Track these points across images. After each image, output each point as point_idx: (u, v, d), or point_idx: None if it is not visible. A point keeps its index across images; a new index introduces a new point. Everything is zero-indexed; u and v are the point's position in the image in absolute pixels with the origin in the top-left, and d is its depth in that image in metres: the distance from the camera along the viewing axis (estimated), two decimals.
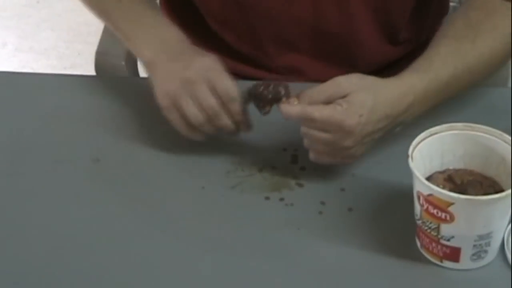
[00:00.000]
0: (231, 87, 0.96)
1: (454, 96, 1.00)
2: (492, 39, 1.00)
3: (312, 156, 0.95)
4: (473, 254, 0.85)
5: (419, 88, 0.94)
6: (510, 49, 1.01)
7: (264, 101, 0.95)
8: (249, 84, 0.97)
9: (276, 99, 0.94)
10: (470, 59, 0.98)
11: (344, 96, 0.91)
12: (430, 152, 0.88)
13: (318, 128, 0.91)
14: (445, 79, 0.96)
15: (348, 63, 1.14)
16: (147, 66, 1.03)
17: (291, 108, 0.92)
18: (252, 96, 0.96)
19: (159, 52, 1.01)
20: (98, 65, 1.25)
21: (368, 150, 0.95)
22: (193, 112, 0.96)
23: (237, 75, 0.98)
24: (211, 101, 0.95)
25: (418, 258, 0.88)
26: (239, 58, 1.16)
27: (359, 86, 0.92)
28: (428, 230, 0.85)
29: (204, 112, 0.95)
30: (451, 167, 0.89)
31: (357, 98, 0.91)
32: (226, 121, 0.96)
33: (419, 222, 0.86)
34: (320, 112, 0.90)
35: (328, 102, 0.91)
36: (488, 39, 0.99)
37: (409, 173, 0.84)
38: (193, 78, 0.95)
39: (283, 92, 0.94)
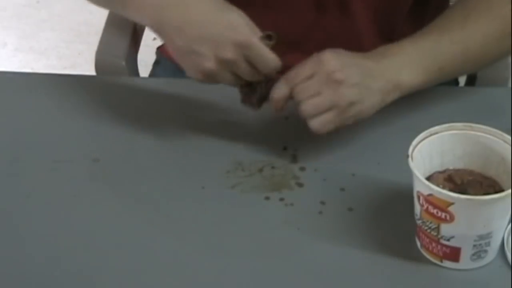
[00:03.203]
0: (270, 60, 0.95)
1: (455, 73, 1.04)
2: (485, 19, 1.01)
3: (314, 124, 0.94)
4: (473, 254, 0.85)
5: (398, 51, 0.98)
6: (508, 32, 1.01)
7: (259, 98, 0.96)
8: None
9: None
10: (460, 35, 1.00)
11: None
12: (430, 152, 0.88)
13: (304, 80, 0.94)
14: (428, 46, 0.98)
15: None
16: (154, 25, 0.98)
17: (277, 85, 0.95)
18: (245, 93, 0.97)
19: (167, 8, 0.97)
20: (98, 65, 1.25)
21: (366, 105, 0.95)
22: (232, 82, 0.96)
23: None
24: (252, 74, 0.95)
25: (418, 258, 0.88)
26: None
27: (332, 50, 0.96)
28: (428, 230, 0.85)
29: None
30: (451, 167, 0.89)
31: (328, 51, 0.96)
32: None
33: (419, 222, 0.86)
34: (299, 66, 0.95)
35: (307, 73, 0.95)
36: (481, 19, 1.00)
37: (409, 173, 0.84)
38: (230, 58, 0.93)
39: (270, 83, 0.96)
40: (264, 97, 0.97)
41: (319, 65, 0.94)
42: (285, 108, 0.97)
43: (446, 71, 1.00)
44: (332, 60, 0.94)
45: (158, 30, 0.98)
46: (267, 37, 0.95)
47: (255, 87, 0.97)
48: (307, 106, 0.94)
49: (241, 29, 0.94)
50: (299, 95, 0.94)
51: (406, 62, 0.98)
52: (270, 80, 0.97)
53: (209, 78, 0.96)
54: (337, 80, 0.93)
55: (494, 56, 1.05)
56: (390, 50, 0.99)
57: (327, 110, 0.93)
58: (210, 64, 0.94)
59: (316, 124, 0.94)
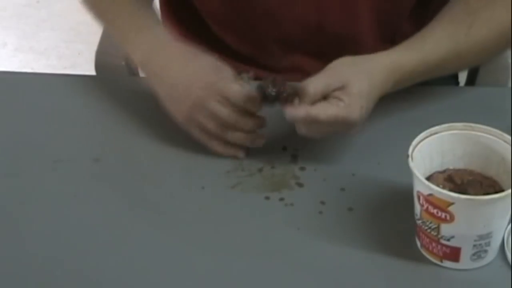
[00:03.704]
0: (237, 89, 0.96)
1: (438, 77, 1.03)
2: (487, 29, 1.01)
3: (302, 131, 0.96)
4: (473, 254, 0.85)
5: (407, 68, 0.97)
6: (505, 40, 1.01)
7: (269, 99, 0.96)
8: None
9: (279, 97, 0.95)
10: (463, 46, 1.00)
11: (341, 86, 0.93)
12: (430, 152, 0.88)
13: (322, 124, 0.94)
14: (435, 61, 0.99)
15: None
16: (141, 66, 1.05)
17: (296, 111, 0.94)
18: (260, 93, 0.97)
19: (151, 53, 1.03)
20: (98, 65, 1.25)
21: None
22: (211, 127, 0.98)
23: None
24: (224, 113, 0.97)
25: (418, 258, 0.88)
26: (240, 59, 1.16)
27: (354, 72, 0.95)
28: (428, 230, 0.85)
29: (224, 122, 0.97)
30: (451, 167, 0.89)
31: (355, 88, 0.93)
32: (248, 123, 0.98)
33: (419, 222, 0.86)
34: (325, 113, 0.92)
35: (326, 93, 0.93)
36: (483, 28, 1.00)
37: (409, 173, 0.84)
38: (198, 100, 0.97)
39: (283, 89, 0.95)
40: (275, 99, 0.96)
41: (343, 123, 0.93)
42: None
43: (440, 74, 1.01)
44: (357, 123, 0.94)
45: (147, 77, 1.05)
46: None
47: (264, 90, 0.97)
48: (314, 136, 0.97)
49: (210, 71, 0.99)
50: (312, 134, 0.96)
51: (401, 83, 0.99)
52: (276, 80, 0.96)
53: (190, 122, 0.99)
54: (352, 128, 0.95)
55: (484, 61, 1.06)
56: (397, 64, 0.99)
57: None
58: (183, 107, 0.98)
59: (304, 131, 0.96)
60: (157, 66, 1.02)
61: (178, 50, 1.03)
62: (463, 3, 1.02)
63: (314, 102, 0.93)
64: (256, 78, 1.00)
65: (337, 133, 0.97)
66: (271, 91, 0.95)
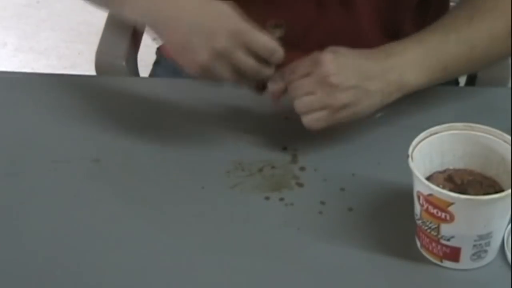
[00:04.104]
0: (267, 41, 0.94)
1: (459, 72, 1.03)
2: (491, 18, 1.00)
3: (306, 120, 0.95)
4: (473, 254, 0.85)
5: (403, 51, 0.97)
6: None
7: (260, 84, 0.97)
8: None
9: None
10: (466, 34, 0.99)
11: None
12: (430, 152, 0.88)
13: (300, 77, 0.94)
14: (434, 45, 0.98)
15: None
16: (146, 19, 0.99)
17: (275, 80, 0.95)
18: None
19: (157, 2, 0.97)
20: (98, 65, 1.25)
21: (362, 107, 0.95)
22: (229, 75, 0.94)
23: None
24: (250, 64, 0.94)
25: (418, 258, 0.88)
26: None
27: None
28: (428, 230, 0.85)
29: (245, 72, 0.95)
30: (451, 167, 0.89)
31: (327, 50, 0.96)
32: (270, 72, 0.96)
33: (419, 222, 0.86)
34: (296, 63, 0.95)
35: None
36: (487, 18, 1.00)
37: (409, 173, 0.84)
38: (224, 48, 0.92)
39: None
40: (264, 84, 0.97)
41: (316, 66, 0.94)
42: (282, 100, 0.97)
43: (451, 70, 1.00)
44: (330, 63, 0.94)
45: (153, 29, 0.98)
46: (276, 26, 0.95)
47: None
48: (300, 104, 0.95)
49: (232, 18, 0.94)
50: (293, 91, 0.95)
51: (411, 62, 0.97)
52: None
53: (206, 72, 0.94)
54: (331, 84, 0.93)
55: (499, 55, 1.04)
56: (394, 49, 0.98)
57: (320, 109, 0.94)
58: (204, 56, 0.92)
59: (308, 120, 0.95)
60: (166, 15, 0.96)
61: None
62: (465, 3, 1.03)
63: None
64: (276, 25, 0.98)
65: (318, 83, 0.94)
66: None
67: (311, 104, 0.94)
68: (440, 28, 1.00)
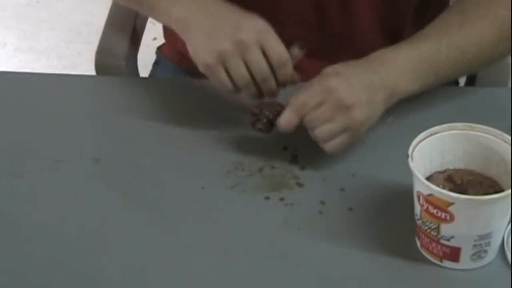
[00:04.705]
0: (283, 51, 0.96)
1: (450, 77, 1.03)
2: (482, 24, 1.01)
3: (329, 148, 0.95)
4: (473, 254, 0.85)
5: (397, 60, 0.97)
6: (507, 35, 1.01)
7: (267, 123, 0.98)
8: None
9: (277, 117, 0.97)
10: (458, 40, 1.00)
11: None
12: (430, 152, 0.88)
13: (313, 108, 0.94)
14: (426, 51, 0.98)
15: None
16: (180, 23, 1.01)
17: (287, 117, 0.95)
18: (256, 118, 0.99)
19: (193, 9, 1.00)
20: (98, 65, 1.25)
21: (373, 119, 0.96)
22: (241, 73, 0.96)
23: None
24: (263, 65, 0.96)
25: (418, 258, 0.88)
26: None
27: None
28: (428, 230, 0.85)
29: (252, 75, 0.96)
30: (451, 167, 0.89)
31: (332, 68, 0.97)
32: (272, 84, 0.97)
33: (419, 222, 0.86)
34: (303, 91, 0.95)
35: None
36: (477, 23, 1.01)
37: (409, 173, 0.84)
38: (246, 40, 0.95)
39: (280, 108, 0.97)
40: (272, 123, 0.98)
41: (328, 93, 0.94)
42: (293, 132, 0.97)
43: (442, 75, 1.01)
44: (340, 86, 0.94)
45: (184, 20, 1.00)
46: (299, 47, 0.99)
47: (261, 113, 0.98)
48: (322, 133, 0.95)
49: (262, 20, 0.97)
50: (311, 123, 0.95)
51: (403, 69, 0.98)
52: (273, 105, 0.98)
53: (218, 65, 0.95)
54: (348, 105, 0.93)
55: (489, 59, 1.05)
56: (386, 56, 0.98)
57: (341, 133, 0.94)
58: (225, 44, 0.94)
59: (331, 146, 0.95)
60: (205, 19, 0.99)
61: (224, 7, 1.00)
62: (458, 5, 1.03)
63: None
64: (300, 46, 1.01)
65: (334, 110, 0.94)
66: (269, 113, 0.97)
67: (332, 130, 0.94)
68: (431, 33, 1.01)
